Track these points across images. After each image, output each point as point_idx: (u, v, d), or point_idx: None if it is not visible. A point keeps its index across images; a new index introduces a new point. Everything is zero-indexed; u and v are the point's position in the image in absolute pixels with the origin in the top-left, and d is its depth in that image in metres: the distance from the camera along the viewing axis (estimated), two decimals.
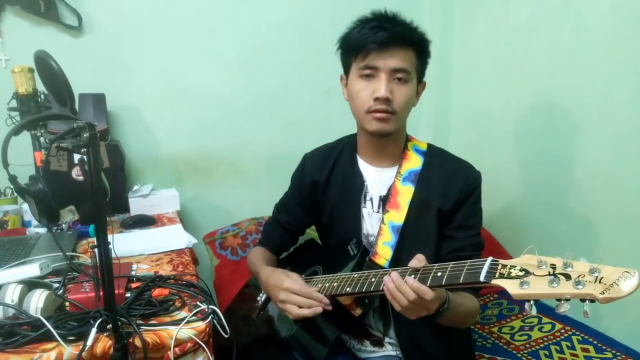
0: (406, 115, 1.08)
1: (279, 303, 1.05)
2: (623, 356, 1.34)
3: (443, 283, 0.77)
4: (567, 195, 1.61)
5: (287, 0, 1.94)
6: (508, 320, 1.58)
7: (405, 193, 1.08)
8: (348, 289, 0.94)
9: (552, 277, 0.63)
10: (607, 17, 1.43)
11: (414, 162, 1.11)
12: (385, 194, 1.11)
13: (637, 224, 1.39)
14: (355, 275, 0.96)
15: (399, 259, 1.05)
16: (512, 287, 0.66)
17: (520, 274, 0.66)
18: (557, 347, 1.41)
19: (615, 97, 1.42)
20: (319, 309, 0.97)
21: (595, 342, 1.41)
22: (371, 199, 1.13)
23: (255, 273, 1.21)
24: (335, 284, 0.98)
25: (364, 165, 1.15)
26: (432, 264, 0.83)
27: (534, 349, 1.42)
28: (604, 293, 0.58)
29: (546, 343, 1.44)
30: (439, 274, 0.79)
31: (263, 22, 1.92)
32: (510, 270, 0.68)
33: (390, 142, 1.11)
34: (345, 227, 1.15)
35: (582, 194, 1.56)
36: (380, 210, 1.11)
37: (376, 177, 1.13)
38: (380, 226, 1.08)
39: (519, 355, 1.40)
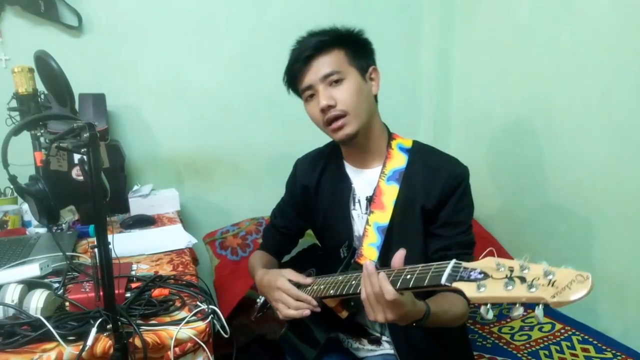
0: (364, 110, 1.05)
1: (273, 302, 1.05)
2: (623, 356, 1.34)
3: (410, 286, 0.76)
4: (567, 195, 1.61)
5: (287, 0, 1.94)
6: (508, 320, 1.58)
7: (390, 192, 1.07)
8: (331, 291, 0.94)
9: (507, 280, 0.62)
10: (607, 17, 1.43)
11: (398, 160, 1.09)
12: (371, 194, 1.10)
13: (637, 223, 1.39)
14: (340, 278, 0.96)
15: (386, 260, 1.03)
16: (469, 290, 0.65)
17: (479, 276, 0.66)
18: (557, 347, 1.41)
19: (615, 97, 1.42)
20: (307, 312, 0.97)
21: (595, 342, 1.41)
22: (359, 201, 1.13)
23: (252, 276, 1.22)
24: (321, 287, 0.98)
25: (350, 168, 1.15)
26: (411, 264, 0.81)
27: (534, 349, 1.42)
28: (554, 297, 0.57)
29: (546, 343, 1.44)
30: (408, 276, 0.78)
31: (263, 22, 1.92)
32: (470, 273, 0.67)
33: (369, 143, 1.10)
34: (337, 230, 1.16)
35: (582, 194, 1.56)
36: (367, 211, 1.11)
37: (362, 179, 1.13)
38: (365, 227, 1.08)
39: (519, 355, 1.40)
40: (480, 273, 0.66)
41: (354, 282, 0.91)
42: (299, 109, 2.21)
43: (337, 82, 1.02)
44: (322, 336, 1.06)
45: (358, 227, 1.13)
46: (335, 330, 1.12)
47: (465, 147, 2.08)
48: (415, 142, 1.13)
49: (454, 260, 0.72)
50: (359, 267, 1.04)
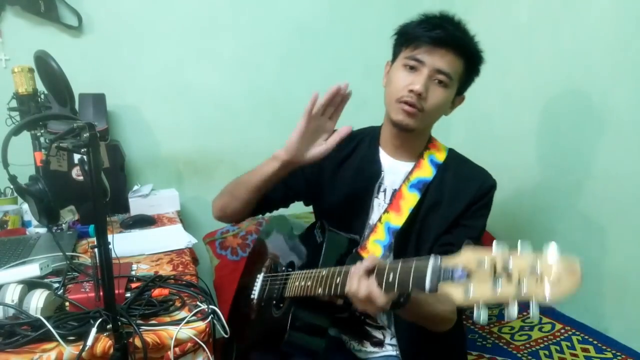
0: (433, 119, 1.08)
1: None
2: (623, 356, 1.34)
3: (395, 290, 0.72)
4: (566, 195, 1.61)
5: (287, 0, 1.94)
6: (508, 320, 1.58)
7: (410, 199, 1.07)
8: (319, 290, 0.89)
9: (493, 278, 0.56)
10: (607, 17, 1.43)
11: (425, 171, 1.10)
12: (398, 188, 1.10)
13: (637, 223, 1.39)
14: (324, 273, 0.90)
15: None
16: (458, 296, 0.59)
17: (463, 276, 0.60)
18: (557, 347, 1.41)
19: (616, 97, 1.42)
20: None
21: (595, 342, 1.41)
22: (384, 190, 1.12)
23: (239, 180, 1.19)
24: (309, 283, 0.92)
25: (384, 156, 1.14)
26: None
27: (534, 349, 1.42)
28: (546, 296, 0.52)
29: (546, 343, 1.44)
30: (391, 278, 0.73)
31: (263, 22, 1.92)
32: (453, 272, 0.61)
33: (411, 139, 1.10)
34: (352, 213, 1.13)
35: (581, 194, 1.56)
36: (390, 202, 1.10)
37: (393, 170, 1.12)
38: (376, 224, 1.08)
39: (519, 355, 1.40)
40: (462, 270, 0.60)
41: (338, 279, 0.85)
42: (299, 109, 2.20)
43: (441, 83, 1.01)
44: (326, 323, 1.02)
45: (374, 216, 1.12)
46: (337, 325, 1.10)
47: (464, 147, 2.07)
48: (449, 155, 1.14)
49: (432, 256, 0.66)
50: (358, 258, 1.00)
